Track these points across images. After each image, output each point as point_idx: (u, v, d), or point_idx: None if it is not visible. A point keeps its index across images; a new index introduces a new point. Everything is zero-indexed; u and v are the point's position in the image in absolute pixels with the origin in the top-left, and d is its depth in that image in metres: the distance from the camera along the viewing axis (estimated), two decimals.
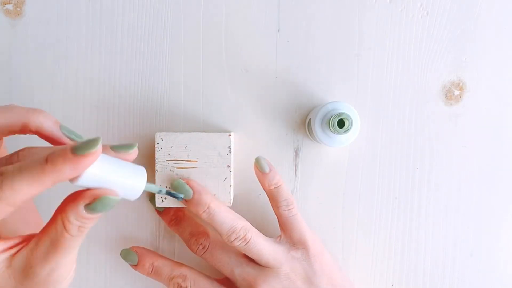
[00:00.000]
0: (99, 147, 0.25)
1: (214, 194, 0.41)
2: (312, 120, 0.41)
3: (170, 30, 0.44)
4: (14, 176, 0.24)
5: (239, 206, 0.44)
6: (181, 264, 0.42)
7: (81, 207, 0.26)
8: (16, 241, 0.28)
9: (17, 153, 0.29)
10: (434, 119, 0.45)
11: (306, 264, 0.40)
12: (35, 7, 0.44)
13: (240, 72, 0.45)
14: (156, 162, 0.40)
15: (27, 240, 0.28)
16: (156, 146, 0.40)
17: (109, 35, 0.44)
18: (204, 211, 0.39)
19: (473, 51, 0.45)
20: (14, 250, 0.27)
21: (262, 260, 0.40)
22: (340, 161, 0.45)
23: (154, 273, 0.42)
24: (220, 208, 0.39)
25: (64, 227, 0.26)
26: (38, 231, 0.28)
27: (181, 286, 0.40)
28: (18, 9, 0.44)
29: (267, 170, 0.41)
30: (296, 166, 0.45)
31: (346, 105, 0.40)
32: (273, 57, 0.45)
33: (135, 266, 0.43)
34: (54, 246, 0.27)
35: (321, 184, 0.45)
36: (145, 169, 0.30)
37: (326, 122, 0.39)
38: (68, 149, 0.24)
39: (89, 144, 0.25)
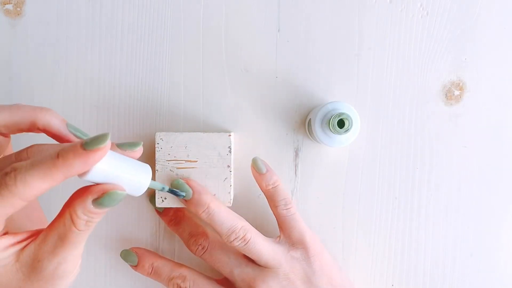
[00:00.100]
0: (108, 142, 0.26)
1: (214, 194, 0.41)
2: (312, 120, 0.41)
3: (170, 30, 0.44)
4: (27, 171, 0.25)
5: (239, 206, 0.44)
6: (181, 265, 0.42)
7: (89, 202, 0.27)
8: (24, 235, 0.28)
9: (25, 150, 0.30)
10: (434, 119, 0.45)
11: (305, 264, 0.40)
12: (35, 7, 0.44)
13: (240, 72, 0.45)
14: (156, 162, 0.40)
15: (35, 235, 0.29)
16: (156, 146, 0.40)
17: (109, 35, 0.44)
18: (203, 211, 0.39)
19: (473, 51, 0.45)
20: (22, 244, 0.28)
21: (262, 260, 0.40)
22: (340, 161, 0.45)
23: (154, 274, 0.42)
24: (220, 208, 0.39)
25: (72, 222, 0.27)
26: (41, 228, 0.29)
27: (180, 287, 0.40)
28: (18, 9, 0.44)
29: (264, 171, 0.41)
30: (296, 166, 0.45)
31: (346, 105, 0.40)
32: (273, 57, 0.45)
33: (135, 266, 0.43)
34: (62, 240, 0.27)
35: (321, 184, 0.45)
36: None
37: (326, 122, 0.39)
38: (78, 144, 0.25)
39: (98, 139, 0.25)
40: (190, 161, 0.41)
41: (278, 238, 0.41)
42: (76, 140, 0.32)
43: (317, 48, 0.44)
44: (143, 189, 0.29)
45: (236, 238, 0.39)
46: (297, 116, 0.45)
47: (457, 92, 0.45)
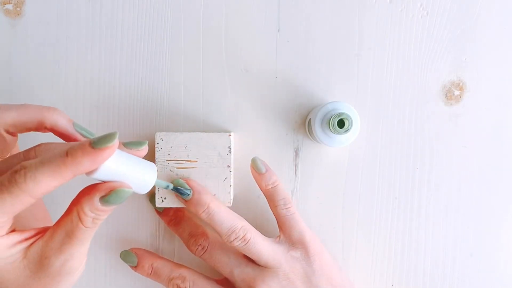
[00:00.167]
0: (116, 141, 0.26)
1: (214, 194, 0.41)
2: (312, 120, 0.41)
3: (170, 30, 0.44)
4: (36, 169, 0.26)
5: (239, 206, 0.44)
6: (181, 265, 0.42)
7: (96, 200, 0.27)
8: (32, 233, 0.29)
9: (33, 148, 0.30)
10: (434, 119, 0.45)
11: (305, 263, 0.40)
12: (35, 7, 0.44)
13: (240, 72, 0.45)
14: (156, 162, 0.40)
15: (42, 232, 0.29)
16: (156, 146, 0.40)
17: (109, 35, 0.44)
18: (203, 211, 0.39)
19: (473, 51, 0.45)
20: (29, 241, 0.28)
21: (262, 260, 0.40)
22: (340, 161, 0.45)
23: (154, 274, 0.42)
24: (220, 208, 0.39)
25: (79, 219, 0.27)
26: (46, 226, 0.29)
27: (180, 287, 0.40)
28: (18, 9, 0.44)
29: (263, 171, 0.41)
30: (296, 166, 0.45)
31: (346, 105, 0.40)
32: (273, 57, 0.45)
33: (134, 267, 0.43)
34: (69, 237, 0.28)
35: (321, 184, 0.45)
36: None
37: (326, 122, 0.39)
38: (87, 143, 0.26)
39: (107, 138, 0.26)
40: (190, 161, 0.41)
41: (278, 238, 0.41)
42: (82, 139, 0.32)
43: (317, 48, 0.44)
44: (149, 187, 0.30)
45: (236, 238, 0.39)
46: (297, 116, 0.45)
47: (457, 92, 0.45)
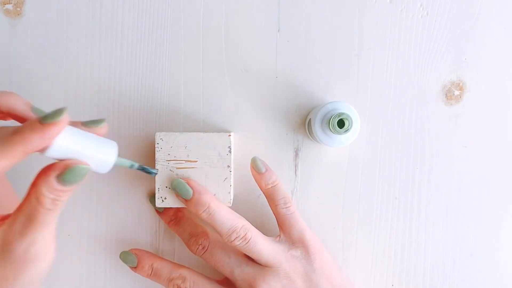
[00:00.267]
0: (65, 116, 0.26)
1: (214, 194, 0.41)
2: (312, 120, 0.41)
3: (170, 30, 0.44)
4: None
5: (239, 206, 0.44)
6: (181, 265, 0.42)
7: (52, 179, 0.27)
8: None
9: None
10: (434, 119, 0.45)
11: (305, 262, 0.40)
12: (35, 7, 0.44)
13: (240, 72, 0.45)
14: (156, 162, 0.40)
15: (4, 218, 0.28)
16: (156, 146, 0.40)
17: (109, 35, 0.44)
18: (204, 211, 0.39)
19: (473, 51, 0.45)
20: None
21: (262, 260, 0.40)
22: (340, 161, 0.45)
23: (154, 275, 0.42)
24: (220, 208, 0.39)
25: (38, 201, 0.27)
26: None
27: (180, 287, 0.40)
28: (18, 9, 0.44)
29: (263, 170, 0.41)
30: (296, 166, 0.45)
31: (346, 105, 0.40)
32: (273, 57, 0.45)
33: (134, 268, 0.42)
34: (30, 220, 0.27)
35: (321, 184, 0.45)
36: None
37: (326, 122, 0.39)
38: (35, 119, 0.26)
39: (55, 113, 0.26)
40: (190, 161, 0.41)
41: (278, 237, 0.41)
42: None
43: (317, 48, 0.44)
44: (109, 165, 0.30)
45: (237, 237, 0.39)
46: (297, 116, 0.45)
47: (457, 92, 0.45)
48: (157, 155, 0.40)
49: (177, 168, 0.40)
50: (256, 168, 0.41)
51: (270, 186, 0.41)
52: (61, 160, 0.28)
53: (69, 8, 0.44)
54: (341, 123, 0.38)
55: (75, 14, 0.44)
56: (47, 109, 0.43)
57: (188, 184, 0.39)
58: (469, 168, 0.45)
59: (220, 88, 0.45)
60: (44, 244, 0.29)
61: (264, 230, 0.43)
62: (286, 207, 0.41)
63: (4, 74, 0.44)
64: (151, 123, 0.45)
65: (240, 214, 0.41)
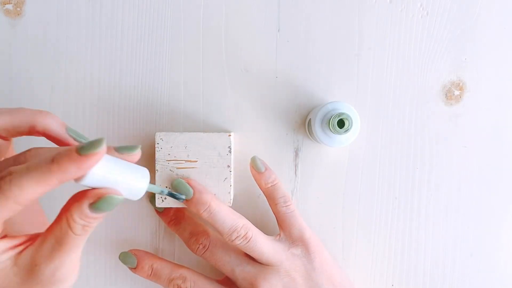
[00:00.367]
0: (103, 147, 0.26)
1: (214, 194, 0.41)
2: (312, 120, 0.41)
3: (170, 30, 0.44)
4: (22, 176, 0.25)
5: (239, 206, 0.44)
6: (181, 266, 0.42)
7: (85, 206, 0.27)
8: (22, 239, 0.28)
9: (24, 153, 0.30)
10: (434, 119, 0.45)
11: (306, 260, 0.41)
12: (35, 7, 0.44)
13: (240, 72, 0.45)
14: (156, 162, 0.40)
15: (33, 239, 0.28)
16: (156, 146, 0.40)
17: (109, 35, 0.44)
18: (204, 210, 0.39)
19: (473, 51, 0.45)
20: (20, 248, 0.28)
21: (263, 258, 0.40)
22: (340, 161, 0.45)
23: (154, 275, 0.42)
24: (221, 207, 0.39)
25: (69, 226, 0.27)
26: (39, 232, 0.29)
27: (181, 287, 0.40)
28: (18, 9, 0.44)
29: (262, 169, 0.41)
30: (296, 166, 0.45)
31: (346, 105, 0.40)
32: (273, 57, 0.45)
33: (134, 269, 0.42)
34: (59, 244, 0.27)
35: (321, 184, 0.45)
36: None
37: (326, 122, 0.39)
38: (73, 149, 0.25)
39: (93, 144, 0.25)
40: (190, 161, 0.41)
41: (278, 236, 0.41)
42: (75, 143, 0.32)
43: (317, 48, 0.44)
44: (141, 193, 0.29)
45: (237, 236, 0.39)
46: (297, 116, 0.45)
47: (457, 92, 0.45)
48: (157, 155, 0.40)
49: (177, 168, 0.40)
50: (256, 168, 0.42)
51: (269, 185, 0.41)
52: (94, 188, 0.27)
53: (69, 8, 0.44)
54: (341, 123, 0.38)
55: (75, 14, 0.44)
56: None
57: (189, 184, 0.39)
58: (469, 168, 0.45)
59: (220, 88, 0.45)
60: (71, 268, 0.29)
61: (264, 230, 0.43)
62: (286, 206, 0.41)
63: (4, 74, 0.44)
64: (151, 123, 0.45)
65: (240, 214, 0.41)
